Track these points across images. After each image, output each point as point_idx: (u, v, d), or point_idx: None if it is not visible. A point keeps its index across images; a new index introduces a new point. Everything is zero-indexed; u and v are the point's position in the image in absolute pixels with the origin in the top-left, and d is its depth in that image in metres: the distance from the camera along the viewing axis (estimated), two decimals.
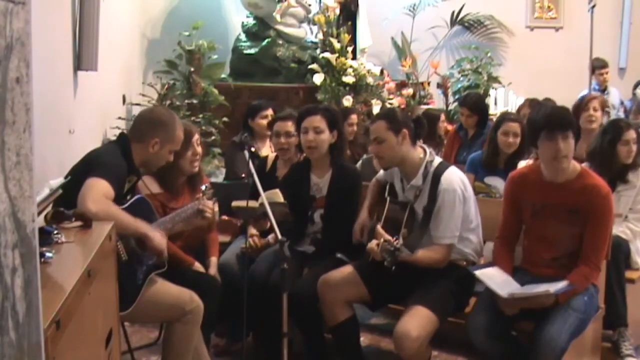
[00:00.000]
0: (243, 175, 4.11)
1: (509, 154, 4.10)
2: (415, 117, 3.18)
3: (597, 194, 2.82)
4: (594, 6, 6.42)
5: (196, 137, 3.27)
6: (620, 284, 3.39)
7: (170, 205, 3.18)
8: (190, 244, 3.32)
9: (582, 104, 4.18)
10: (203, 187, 3.25)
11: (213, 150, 5.92)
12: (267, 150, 4.53)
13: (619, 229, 3.44)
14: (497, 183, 4.00)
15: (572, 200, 2.83)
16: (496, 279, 2.85)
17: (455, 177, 3.00)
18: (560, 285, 2.71)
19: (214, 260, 3.39)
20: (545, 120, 2.81)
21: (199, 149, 3.28)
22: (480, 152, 4.32)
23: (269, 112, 4.50)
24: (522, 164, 3.77)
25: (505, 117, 4.27)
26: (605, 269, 3.06)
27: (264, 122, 4.45)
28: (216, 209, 3.19)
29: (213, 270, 3.32)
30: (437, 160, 3.07)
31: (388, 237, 2.84)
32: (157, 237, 2.77)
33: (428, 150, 3.09)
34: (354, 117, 5.10)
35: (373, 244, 2.90)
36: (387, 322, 3.77)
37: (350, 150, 4.70)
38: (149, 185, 3.15)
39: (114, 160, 2.75)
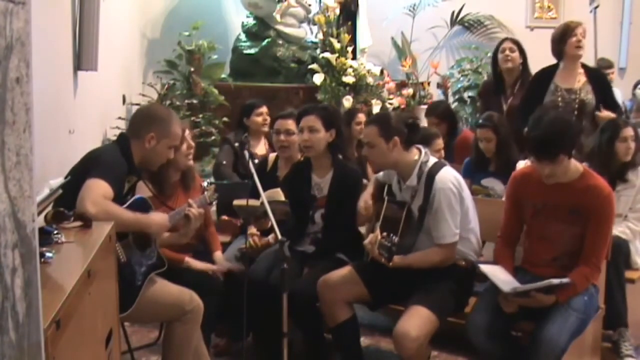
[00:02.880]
0: (224, 162, 4.19)
1: (491, 156, 4.10)
2: (409, 122, 3.13)
3: (599, 194, 2.82)
4: (597, 7, 6.38)
5: (187, 131, 3.31)
6: (620, 284, 3.39)
7: (168, 203, 3.19)
8: (188, 243, 3.33)
9: (568, 31, 4.11)
10: (205, 184, 3.25)
11: (213, 151, 5.91)
12: (262, 148, 4.57)
13: (618, 229, 3.44)
14: (494, 184, 4.00)
15: (573, 200, 2.83)
16: (500, 276, 2.86)
17: (449, 176, 3.00)
18: (564, 279, 2.72)
19: (218, 254, 3.41)
20: (531, 146, 2.82)
21: (192, 143, 3.33)
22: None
23: (264, 109, 4.62)
24: (522, 164, 3.77)
25: (477, 123, 4.27)
26: (605, 269, 3.07)
27: (259, 119, 4.58)
28: (213, 208, 3.20)
29: (222, 264, 3.33)
30: (432, 160, 3.07)
31: (384, 234, 2.85)
32: (156, 221, 2.78)
33: (423, 151, 3.10)
34: (360, 116, 5.06)
35: (369, 239, 2.91)
36: (387, 322, 3.77)
37: (357, 152, 4.68)
38: (142, 188, 3.14)
39: (113, 160, 2.74)
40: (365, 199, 3.20)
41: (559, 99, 4.10)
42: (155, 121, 2.86)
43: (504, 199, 3.33)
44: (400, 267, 2.90)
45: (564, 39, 4.10)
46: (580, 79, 4.13)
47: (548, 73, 4.22)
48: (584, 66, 4.22)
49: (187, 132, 3.29)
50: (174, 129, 2.92)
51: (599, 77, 4.25)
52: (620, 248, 3.39)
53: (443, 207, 2.95)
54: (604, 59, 6.62)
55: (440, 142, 4.21)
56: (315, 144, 3.32)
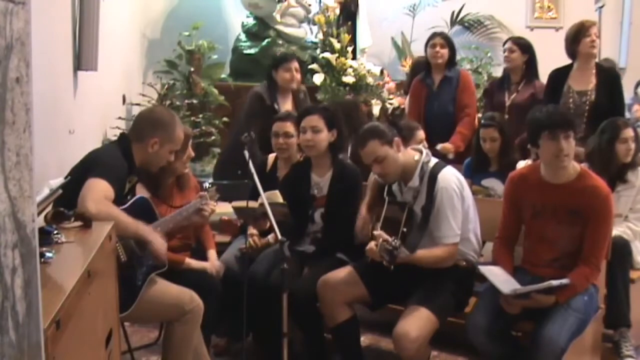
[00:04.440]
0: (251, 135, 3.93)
1: (494, 156, 4.08)
2: (393, 122, 3.17)
3: (598, 195, 2.83)
4: (602, 6, 6.33)
5: (190, 141, 3.29)
6: (624, 284, 3.39)
7: (167, 202, 3.19)
8: (187, 242, 3.33)
9: (582, 30, 4.06)
10: (206, 185, 3.25)
11: (213, 150, 5.92)
12: (288, 105, 4.45)
13: (619, 229, 3.44)
14: (494, 185, 3.99)
15: (572, 201, 2.84)
16: (499, 277, 2.86)
17: (451, 176, 3.01)
18: (563, 279, 2.72)
19: (212, 252, 3.40)
20: (548, 120, 2.82)
21: (193, 153, 3.32)
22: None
23: (293, 64, 4.45)
24: (522, 164, 3.77)
25: (481, 123, 4.21)
26: (605, 269, 3.07)
27: (287, 75, 4.43)
28: (217, 209, 3.20)
29: (215, 262, 3.32)
30: (433, 160, 3.08)
31: (386, 236, 2.84)
32: (158, 241, 2.77)
33: (425, 151, 3.10)
34: None
35: (372, 244, 2.90)
36: (387, 322, 3.77)
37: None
38: (138, 191, 3.13)
39: (114, 160, 2.75)
40: (364, 218, 3.18)
41: (570, 100, 4.07)
42: (160, 126, 2.86)
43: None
44: (405, 263, 2.87)
45: (577, 39, 4.05)
46: (593, 80, 4.07)
47: (562, 74, 4.16)
48: (597, 66, 4.15)
49: (190, 141, 3.27)
50: (178, 134, 2.93)
51: (610, 78, 4.15)
52: (624, 248, 3.38)
53: (445, 207, 2.95)
54: (608, 59, 6.60)
55: (421, 133, 4.15)
56: (318, 143, 3.32)
